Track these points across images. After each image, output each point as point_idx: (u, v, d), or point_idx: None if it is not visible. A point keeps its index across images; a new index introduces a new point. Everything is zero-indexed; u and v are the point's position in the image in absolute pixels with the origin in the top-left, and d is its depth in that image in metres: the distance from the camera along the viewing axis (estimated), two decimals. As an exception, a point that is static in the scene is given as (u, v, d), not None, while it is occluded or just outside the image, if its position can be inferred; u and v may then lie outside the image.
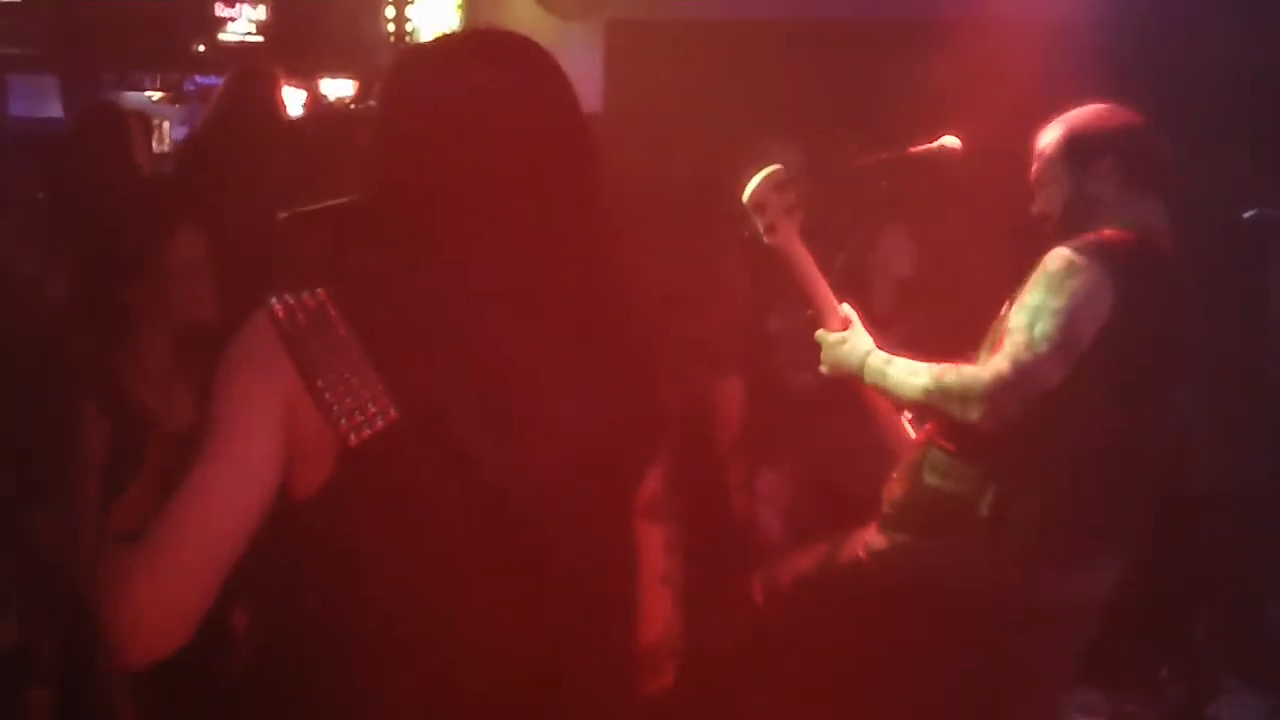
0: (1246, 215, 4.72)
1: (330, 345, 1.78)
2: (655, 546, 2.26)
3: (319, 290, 1.82)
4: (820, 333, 3.41)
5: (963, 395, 3.04)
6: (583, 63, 8.26)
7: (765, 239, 3.47)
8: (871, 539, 3.47)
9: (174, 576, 1.75)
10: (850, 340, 3.33)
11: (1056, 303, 3.05)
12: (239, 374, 1.81)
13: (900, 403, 3.33)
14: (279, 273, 3.31)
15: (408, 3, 8.69)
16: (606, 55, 8.25)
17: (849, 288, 3.60)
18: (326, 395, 1.77)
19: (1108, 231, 3.24)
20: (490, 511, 1.79)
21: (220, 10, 9.21)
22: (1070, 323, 3.05)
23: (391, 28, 8.67)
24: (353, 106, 8.84)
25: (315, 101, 8.45)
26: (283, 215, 2.98)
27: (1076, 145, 3.40)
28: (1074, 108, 3.50)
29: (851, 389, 3.55)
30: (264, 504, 1.79)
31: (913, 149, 3.80)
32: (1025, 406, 3.05)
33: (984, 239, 4.38)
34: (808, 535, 3.97)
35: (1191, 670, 5.10)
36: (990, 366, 3.05)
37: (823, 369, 3.44)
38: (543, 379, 1.85)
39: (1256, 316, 5.21)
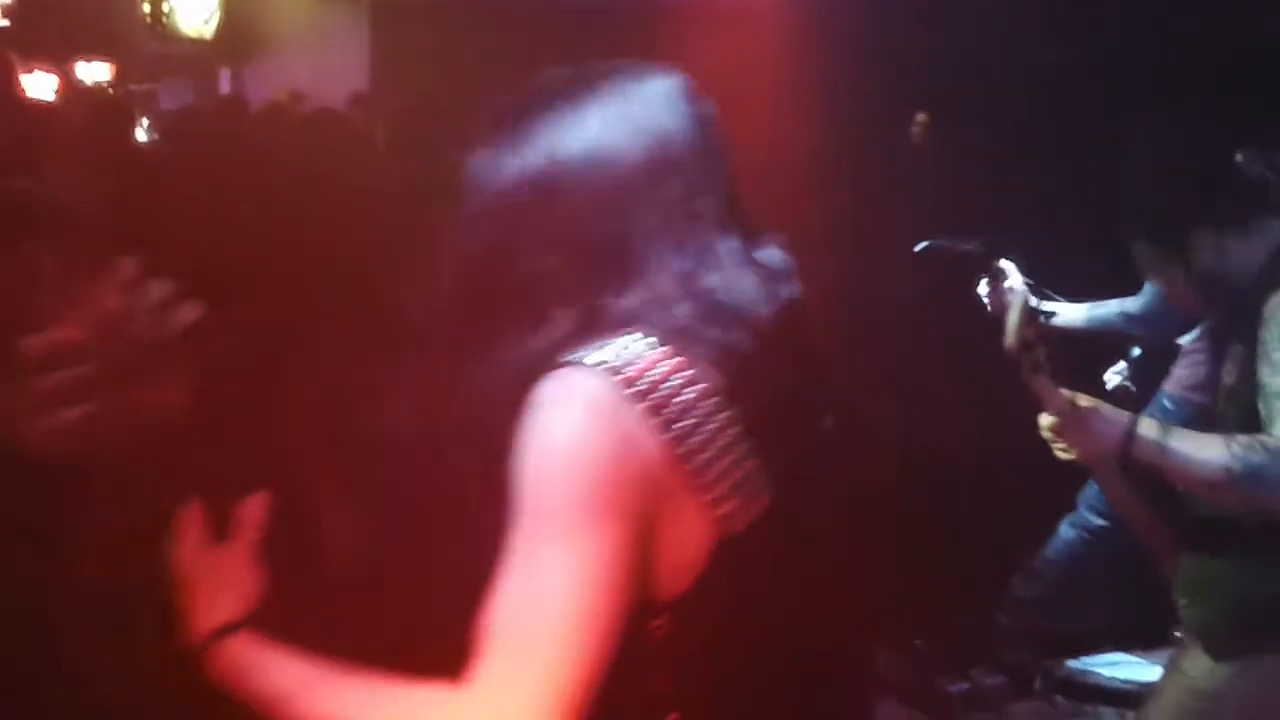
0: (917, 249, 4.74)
1: (693, 408, 1.46)
2: None
3: (649, 338, 1.47)
4: (1049, 419, 2.99)
5: (1277, 477, 2.69)
6: (346, 43, 8.18)
7: (1029, 377, 3.07)
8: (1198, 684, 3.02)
9: (559, 706, 1.37)
10: (1102, 412, 2.91)
11: None
12: (589, 446, 1.42)
13: (1187, 485, 2.94)
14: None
15: (165, -16, 8.49)
16: (373, 35, 8.18)
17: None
18: (711, 470, 1.46)
19: None
20: (799, 558, 1.57)
21: (-41, -7, 8.82)
22: None
23: (148, 8, 8.45)
24: (112, 92, 8.61)
25: (70, 87, 8.20)
26: None
27: None
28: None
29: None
30: (624, 619, 1.42)
31: None
32: None
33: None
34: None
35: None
36: None
37: (1065, 455, 3.02)
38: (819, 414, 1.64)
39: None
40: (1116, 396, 4.35)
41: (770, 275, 1.56)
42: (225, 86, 9.65)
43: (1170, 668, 3.12)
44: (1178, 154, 3.16)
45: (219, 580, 1.59)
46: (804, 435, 1.57)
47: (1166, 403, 4.66)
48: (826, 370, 1.65)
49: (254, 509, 1.65)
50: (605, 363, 1.43)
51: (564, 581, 1.38)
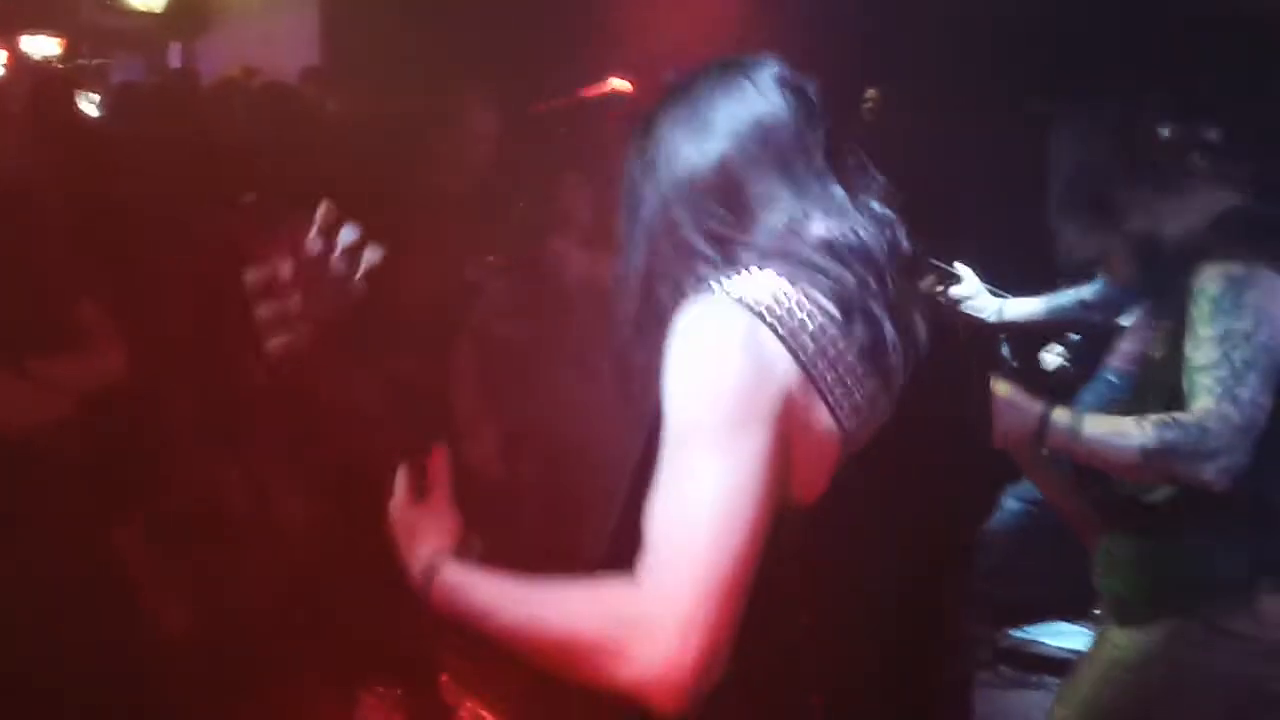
0: None
1: (820, 330, 1.67)
2: None
3: (786, 281, 1.70)
4: None
5: (1193, 451, 2.72)
6: (297, 17, 8.13)
7: None
8: (1121, 657, 3.07)
9: (718, 600, 1.55)
10: (1014, 404, 2.92)
11: (1243, 324, 2.80)
12: (734, 367, 1.62)
13: (1106, 467, 2.97)
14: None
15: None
16: (325, 8, 8.14)
17: (531, 238, 3.60)
18: (836, 391, 1.66)
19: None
20: (926, 513, 1.76)
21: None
22: (1268, 340, 2.79)
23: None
24: (61, 66, 8.53)
25: (17, 61, 8.12)
26: None
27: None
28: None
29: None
30: (770, 521, 1.61)
31: (585, 93, 3.75)
32: (1251, 449, 2.74)
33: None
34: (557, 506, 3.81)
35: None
36: (1210, 414, 2.72)
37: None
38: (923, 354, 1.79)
39: None
40: (1056, 377, 4.40)
41: (878, 221, 1.80)
42: (176, 61, 9.58)
43: (1096, 639, 3.18)
44: (1111, 124, 3.18)
45: (426, 525, 1.88)
46: (911, 367, 1.74)
47: (1111, 377, 4.71)
48: (926, 314, 1.81)
49: (441, 460, 1.94)
50: (741, 295, 1.66)
51: (717, 485, 1.57)
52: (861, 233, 1.76)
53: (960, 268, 4.10)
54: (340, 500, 3.12)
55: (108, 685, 3.25)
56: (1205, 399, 2.72)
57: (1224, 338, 2.76)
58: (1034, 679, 4.94)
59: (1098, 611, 3.17)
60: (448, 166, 3.69)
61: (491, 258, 3.47)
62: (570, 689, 1.68)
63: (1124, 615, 3.00)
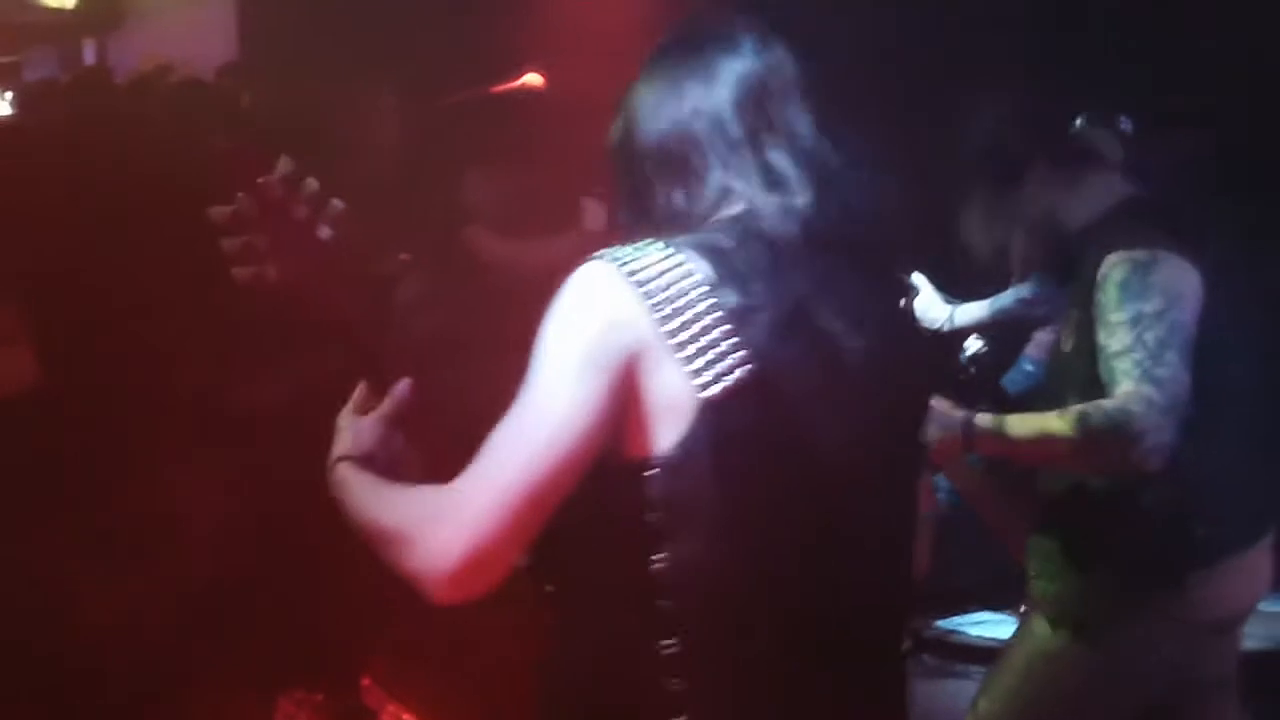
0: None
1: (680, 295, 1.78)
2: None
3: (664, 243, 1.82)
4: None
5: (1120, 436, 2.69)
6: (214, 12, 8.04)
7: None
8: (1045, 648, 3.08)
9: (509, 515, 1.73)
10: (938, 413, 2.90)
11: (1152, 305, 2.80)
12: (588, 318, 1.77)
13: (1039, 463, 3.01)
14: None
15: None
16: (242, 3, 8.04)
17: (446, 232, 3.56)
18: (687, 348, 1.76)
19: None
20: (807, 469, 1.82)
21: None
22: (1179, 318, 2.80)
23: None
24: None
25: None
26: None
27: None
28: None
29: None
30: (590, 459, 1.76)
31: (494, 87, 3.70)
32: (1178, 429, 2.73)
33: (571, 181, 4.33)
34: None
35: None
36: (1131, 397, 2.71)
37: None
38: (843, 330, 1.87)
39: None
40: (977, 361, 4.43)
41: (795, 196, 1.89)
42: (90, 57, 9.44)
43: (1020, 628, 3.20)
44: (1017, 106, 3.20)
45: (358, 432, 2.03)
46: (802, 335, 1.82)
47: (1028, 365, 4.77)
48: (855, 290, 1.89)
49: (401, 389, 2.07)
50: (618, 258, 1.79)
51: (540, 417, 1.75)
52: (771, 209, 1.87)
53: (916, 278, 4.10)
54: (259, 501, 3.10)
55: (22, 688, 3.20)
56: (1125, 383, 2.73)
57: (1135, 321, 2.77)
58: (958, 668, 4.97)
59: (1024, 607, 3.19)
60: (362, 160, 3.66)
61: (404, 255, 3.43)
62: (493, 688, 1.73)
63: (1057, 613, 3.01)
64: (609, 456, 1.77)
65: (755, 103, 1.93)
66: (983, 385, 4.37)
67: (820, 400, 1.82)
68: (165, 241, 3.50)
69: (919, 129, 4.71)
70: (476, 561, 1.73)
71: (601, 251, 1.83)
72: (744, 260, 1.82)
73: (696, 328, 1.76)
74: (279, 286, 2.00)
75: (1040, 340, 4.70)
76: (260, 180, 1.98)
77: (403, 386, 2.07)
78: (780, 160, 1.91)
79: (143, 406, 3.38)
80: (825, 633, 1.83)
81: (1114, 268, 2.84)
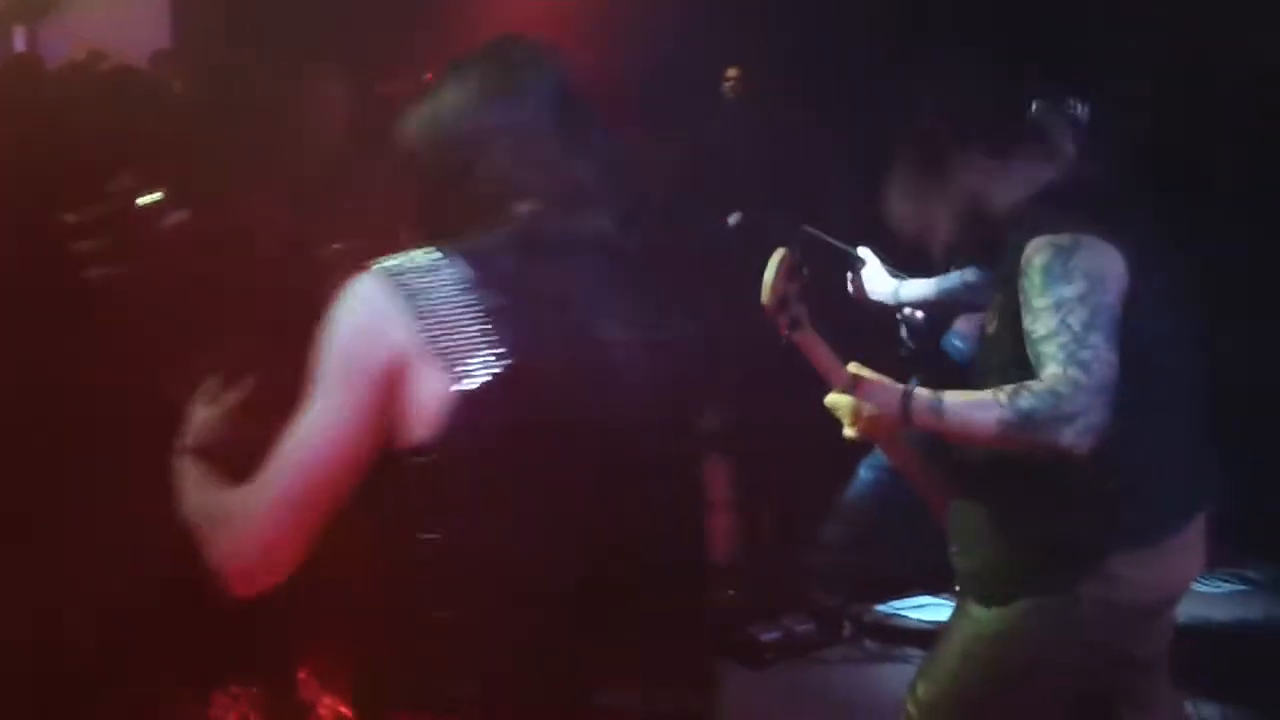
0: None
1: (441, 299, 1.93)
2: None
3: (435, 250, 1.97)
4: (834, 396, 3.01)
5: (1049, 418, 2.71)
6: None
7: (790, 336, 3.14)
8: (981, 630, 3.07)
9: (287, 515, 1.91)
10: (878, 386, 2.93)
11: (1075, 288, 2.82)
12: (350, 328, 1.93)
13: (971, 442, 2.98)
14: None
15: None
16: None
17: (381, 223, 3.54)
18: (444, 347, 1.91)
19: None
20: (576, 453, 1.96)
21: None
22: (1103, 300, 2.82)
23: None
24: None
25: None
26: None
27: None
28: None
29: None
30: (370, 454, 1.92)
31: (383, 88, 3.65)
32: (1107, 411, 2.74)
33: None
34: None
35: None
36: (1058, 379, 2.73)
37: (849, 432, 3.02)
38: (606, 324, 2.03)
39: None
40: (912, 330, 4.46)
41: (573, 209, 2.03)
42: (20, 45, 9.33)
43: (955, 612, 3.22)
44: (948, 93, 3.21)
45: (200, 424, 2.17)
46: (564, 331, 1.98)
47: (956, 341, 4.80)
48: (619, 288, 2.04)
49: (243, 385, 2.22)
50: (388, 267, 1.95)
51: (316, 421, 1.91)
52: (561, 216, 2.03)
53: (863, 250, 4.11)
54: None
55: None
56: (1052, 366, 2.75)
57: (1059, 305, 2.79)
58: (897, 652, 5.01)
59: (957, 588, 3.21)
60: (297, 149, 3.63)
61: (338, 245, 3.41)
62: (428, 678, 1.96)
63: (980, 590, 3.04)
64: (389, 448, 1.93)
65: (534, 115, 2.07)
66: (919, 358, 4.41)
67: (580, 391, 1.98)
68: (95, 229, 3.47)
69: (869, 112, 4.74)
70: (262, 558, 1.93)
71: (373, 261, 1.98)
72: (509, 263, 1.98)
73: (453, 328, 1.92)
74: (127, 287, 2.18)
75: (969, 315, 4.72)
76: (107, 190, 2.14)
77: (247, 381, 2.22)
78: (560, 169, 2.05)
79: (59, 400, 3.36)
80: (593, 603, 1.98)
81: (1037, 252, 2.86)
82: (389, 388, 1.91)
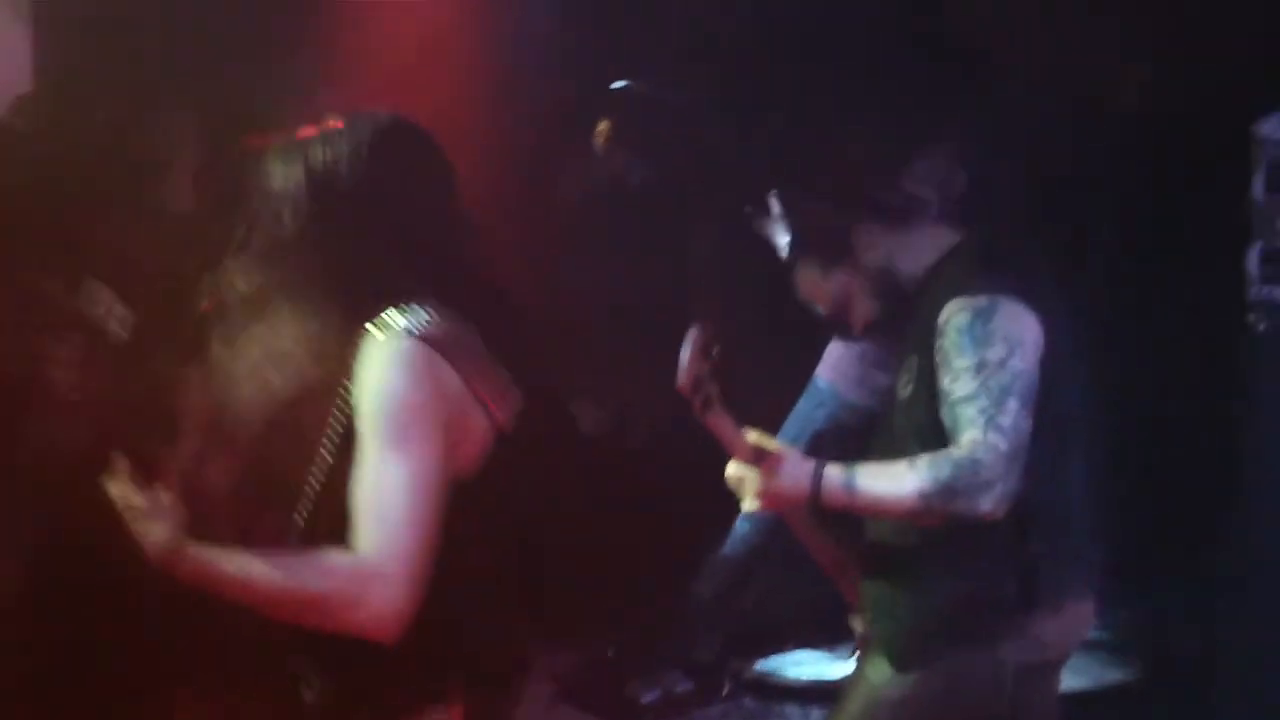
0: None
1: (470, 347, 2.31)
2: None
3: (419, 308, 2.30)
4: (735, 468, 2.98)
5: (969, 486, 2.71)
6: (6, 43, 7.78)
7: (703, 416, 2.99)
8: (885, 694, 3.06)
9: (422, 563, 2.22)
10: (787, 462, 2.90)
11: (995, 351, 2.83)
12: (412, 388, 2.24)
13: (884, 516, 2.96)
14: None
15: None
16: (37, 35, 7.78)
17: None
18: (482, 388, 2.30)
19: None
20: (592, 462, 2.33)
21: None
22: (1020, 365, 2.83)
23: None
24: None
25: None
26: None
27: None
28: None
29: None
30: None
31: (300, 131, 3.58)
32: (1021, 475, 2.78)
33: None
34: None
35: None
36: (979, 445, 2.74)
37: (750, 506, 2.99)
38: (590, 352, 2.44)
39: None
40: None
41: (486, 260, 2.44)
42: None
43: (855, 675, 3.20)
44: (847, 150, 3.22)
45: (153, 510, 2.23)
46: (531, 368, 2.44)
47: (820, 383, 4.76)
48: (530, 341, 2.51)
49: (168, 456, 2.34)
50: (408, 327, 2.27)
51: (409, 479, 2.21)
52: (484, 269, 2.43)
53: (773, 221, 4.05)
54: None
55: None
56: (971, 430, 2.76)
57: (980, 367, 2.81)
58: (776, 709, 4.98)
59: (857, 649, 3.19)
60: (161, 197, 3.56)
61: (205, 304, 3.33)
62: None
63: (895, 655, 3.01)
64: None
65: (433, 191, 2.42)
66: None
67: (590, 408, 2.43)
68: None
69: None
70: (412, 604, 2.21)
71: (379, 321, 2.30)
72: (483, 310, 2.36)
73: (483, 371, 2.33)
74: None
75: (832, 356, 4.69)
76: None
77: (167, 453, 2.38)
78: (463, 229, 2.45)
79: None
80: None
81: (955, 314, 2.87)
82: (451, 431, 2.25)
